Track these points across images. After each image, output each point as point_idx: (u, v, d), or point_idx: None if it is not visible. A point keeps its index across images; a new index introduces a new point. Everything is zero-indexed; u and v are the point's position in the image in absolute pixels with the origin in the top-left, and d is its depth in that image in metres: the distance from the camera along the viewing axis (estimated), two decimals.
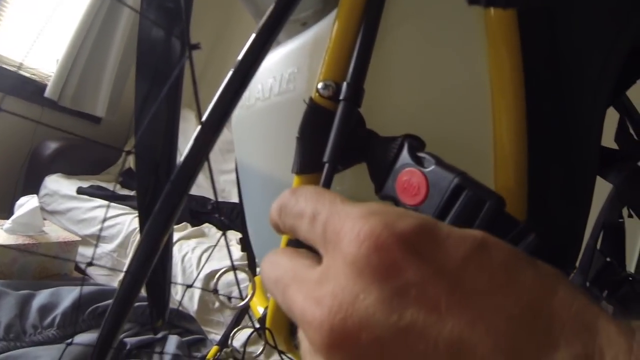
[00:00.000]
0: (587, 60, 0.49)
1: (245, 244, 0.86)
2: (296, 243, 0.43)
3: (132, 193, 3.14)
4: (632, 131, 0.78)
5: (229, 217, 2.87)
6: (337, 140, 0.44)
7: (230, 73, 0.49)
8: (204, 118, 0.49)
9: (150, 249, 0.51)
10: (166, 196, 0.50)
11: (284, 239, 0.51)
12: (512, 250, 0.25)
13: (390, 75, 0.51)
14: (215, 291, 0.52)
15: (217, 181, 3.31)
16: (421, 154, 0.39)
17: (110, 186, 3.18)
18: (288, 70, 0.57)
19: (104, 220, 2.64)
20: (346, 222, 0.26)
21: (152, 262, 0.51)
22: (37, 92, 3.20)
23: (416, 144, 0.41)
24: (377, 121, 0.47)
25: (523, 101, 0.47)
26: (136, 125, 0.73)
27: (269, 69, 0.60)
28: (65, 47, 3.21)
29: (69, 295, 1.33)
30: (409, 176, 0.38)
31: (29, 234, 1.63)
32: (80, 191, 2.84)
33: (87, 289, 1.38)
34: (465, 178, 0.35)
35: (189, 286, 0.71)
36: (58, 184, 2.95)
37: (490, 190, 0.35)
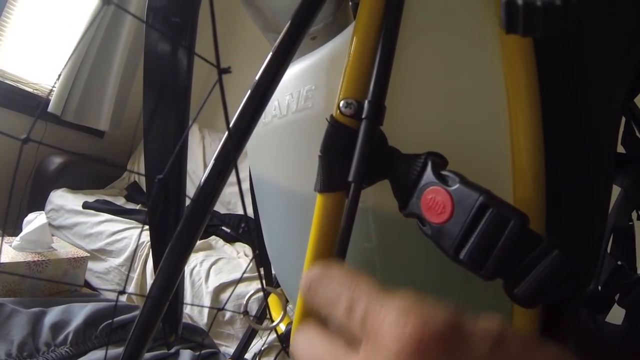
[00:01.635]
0: (600, 70, 0.49)
1: (261, 260, 0.86)
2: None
3: (138, 207, 3.15)
4: (638, 134, 0.79)
5: (235, 229, 2.88)
6: (361, 159, 0.44)
7: (248, 93, 0.50)
8: (221, 142, 0.49)
9: (171, 273, 0.51)
10: (187, 218, 0.50)
11: (309, 249, 0.51)
12: (525, 339, 0.29)
13: (409, 89, 0.51)
14: (245, 312, 0.52)
15: (223, 193, 3.31)
16: (445, 172, 0.39)
17: (115, 200, 3.18)
18: (305, 87, 0.57)
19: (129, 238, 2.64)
20: (387, 318, 0.29)
21: (174, 285, 0.51)
22: (40, 107, 3.21)
23: (439, 162, 0.41)
24: (397, 136, 0.47)
25: (539, 112, 0.47)
26: (145, 140, 0.73)
27: (285, 86, 0.60)
28: (67, 61, 3.22)
29: (80, 312, 1.33)
30: (434, 194, 0.39)
31: (38, 250, 1.63)
32: (86, 206, 2.85)
33: (98, 305, 1.37)
34: (490, 196, 0.36)
35: (220, 309, 0.71)
36: (63, 199, 2.95)
37: (514, 208, 0.35)
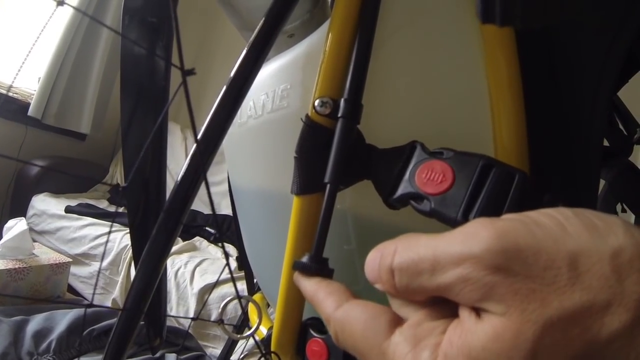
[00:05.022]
0: (585, 62, 0.48)
1: (242, 262, 0.85)
2: (301, 266, 0.41)
3: (121, 209, 3.12)
4: (621, 127, 0.79)
5: (220, 229, 2.86)
6: (338, 159, 0.43)
7: (222, 92, 0.48)
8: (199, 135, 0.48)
9: (145, 285, 0.50)
10: (160, 225, 0.49)
11: (287, 251, 0.50)
12: None
13: (387, 86, 0.50)
14: (220, 321, 0.51)
15: (206, 193, 3.29)
16: (436, 149, 0.39)
17: (98, 203, 3.15)
18: (280, 87, 0.56)
19: (107, 240, 2.61)
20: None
21: (148, 297, 0.50)
22: (20, 111, 3.17)
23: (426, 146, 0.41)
24: (375, 134, 0.46)
25: (522, 106, 0.46)
26: (123, 142, 0.72)
27: (260, 86, 0.58)
28: (47, 64, 3.18)
29: (63, 319, 1.31)
30: (429, 168, 0.38)
31: (19, 257, 1.61)
32: (68, 210, 2.82)
33: (81, 311, 1.36)
34: (490, 158, 0.36)
35: (194, 319, 0.70)
36: (46, 204, 2.92)
37: (513, 167, 0.35)
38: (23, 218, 1.87)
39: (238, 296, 0.49)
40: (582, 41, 0.48)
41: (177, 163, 3.43)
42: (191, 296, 2.13)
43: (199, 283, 2.16)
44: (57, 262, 1.70)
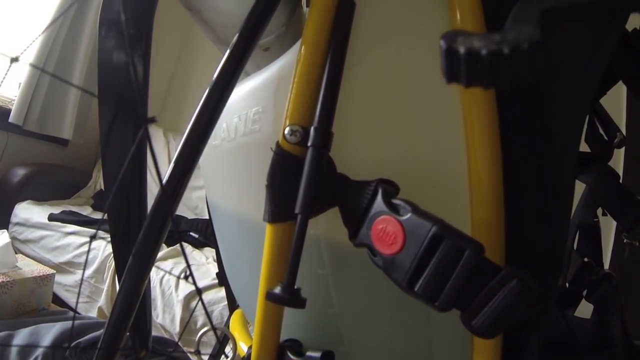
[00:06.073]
0: (557, 89, 0.48)
1: (221, 279, 0.85)
2: (274, 297, 0.42)
3: (105, 216, 3.09)
4: (601, 131, 0.79)
5: (203, 234, 2.85)
6: (308, 189, 0.43)
7: (197, 109, 0.48)
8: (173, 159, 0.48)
9: (130, 298, 0.50)
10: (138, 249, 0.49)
11: (262, 277, 0.50)
12: None
13: (359, 111, 0.50)
14: (197, 352, 0.51)
15: (190, 198, 3.28)
16: (396, 201, 0.39)
17: (82, 210, 3.13)
18: (253, 110, 0.56)
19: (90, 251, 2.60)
20: None
21: (132, 313, 0.50)
22: (1, 117, 3.14)
23: (390, 190, 0.41)
24: (347, 161, 0.46)
25: (497, 130, 0.46)
26: (103, 153, 0.72)
27: (233, 107, 0.58)
28: (27, 69, 3.15)
29: (48, 333, 1.31)
30: (384, 224, 0.38)
31: (2, 271, 1.60)
32: (52, 218, 2.80)
33: (66, 324, 1.35)
34: (443, 226, 0.35)
35: (175, 336, 0.70)
36: (29, 212, 2.90)
37: (468, 237, 0.35)
38: (5, 231, 1.86)
39: (213, 327, 0.49)
40: (557, 63, 0.48)
41: (160, 167, 3.41)
42: (177, 303, 2.12)
43: (184, 289, 2.16)
44: (41, 274, 1.69)
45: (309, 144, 0.44)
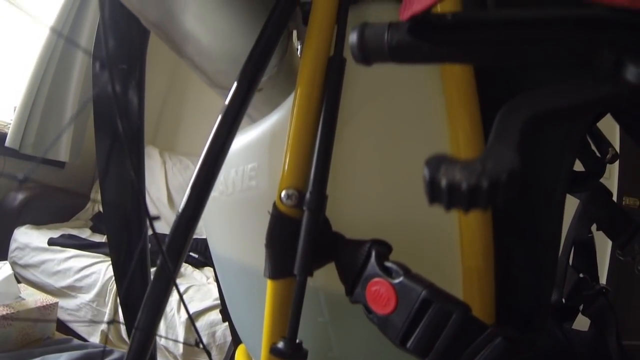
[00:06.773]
0: (543, 143, 0.51)
1: (225, 315, 0.87)
2: (278, 351, 0.45)
3: (104, 239, 3.10)
4: (594, 148, 0.81)
5: (203, 254, 2.86)
6: (305, 251, 0.46)
7: (197, 167, 0.50)
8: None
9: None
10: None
11: (265, 328, 0.52)
12: None
13: (353, 169, 0.53)
14: None
15: None
16: (389, 264, 0.42)
17: (81, 232, 3.14)
18: (249, 165, 0.58)
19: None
20: None
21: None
22: None
23: (383, 251, 0.43)
24: (342, 219, 0.48)
25: None
26: (101, 184, 0.74)
27: (229, 160, 0.60)
28: (22, 93, 3.16)
29: None
30: (378, 286, 0.41)
31: (6, 302, 1.61)
32: (51, 242, 2.80)
33: (73, 355, 1.37)
34: (432, 290, 0.38)
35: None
36: (28, 237, 2.90)
37: (455, 300, 0.38)
38: (7, 262, 1.87)
39: (208, 353, 0.51)
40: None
41: (157, 187, 3.42)
42: (179, 324, 2.14)
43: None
44: (45, 303, 1.70)
45: (305, 207, 0.47)
